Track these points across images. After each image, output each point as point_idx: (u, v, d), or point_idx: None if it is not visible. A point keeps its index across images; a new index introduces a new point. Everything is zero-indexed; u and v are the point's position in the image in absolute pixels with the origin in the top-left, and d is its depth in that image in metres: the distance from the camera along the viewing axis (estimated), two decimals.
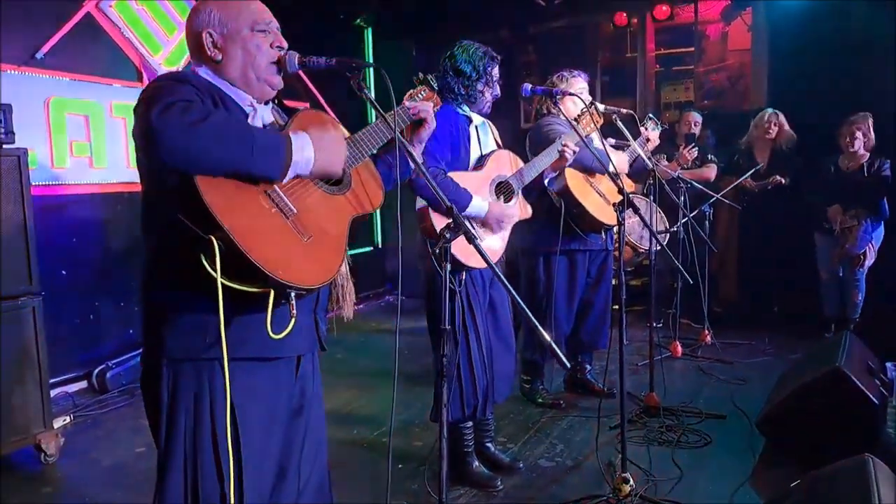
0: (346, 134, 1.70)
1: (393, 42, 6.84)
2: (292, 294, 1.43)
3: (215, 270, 1.35)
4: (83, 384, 4.18)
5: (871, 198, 4.62)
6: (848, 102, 4.84)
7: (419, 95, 1.95)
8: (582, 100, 3.06)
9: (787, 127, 5.20)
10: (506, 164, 2.79)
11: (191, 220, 1.37)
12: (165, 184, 1.41)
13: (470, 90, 2.68)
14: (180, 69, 4.73)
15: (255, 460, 1.56)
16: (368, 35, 6.87)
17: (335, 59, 1.62)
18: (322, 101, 5.87)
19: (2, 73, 3.77)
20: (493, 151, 2.79)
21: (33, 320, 3.04)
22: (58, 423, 3.25)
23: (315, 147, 1.51)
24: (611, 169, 2.70)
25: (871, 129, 4.71)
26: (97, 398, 4.01)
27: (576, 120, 2.92)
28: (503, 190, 2.75)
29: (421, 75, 1.98)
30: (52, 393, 3.48)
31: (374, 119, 1.71)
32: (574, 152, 2.93)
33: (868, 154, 4.70)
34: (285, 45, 1.64)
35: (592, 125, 2.95)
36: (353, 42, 6.76)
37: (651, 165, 3.50)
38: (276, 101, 1.74)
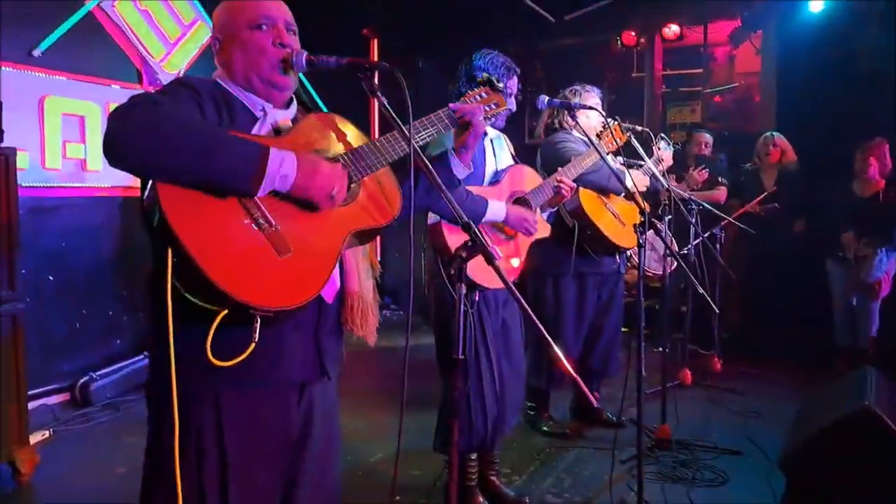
0: (363, 138, 1.55)
1: (400, 54, 6.73)
2: (257, 316, 1.28)
3: (174, 282, 1.24)
4: (66, 396, 4.00)
5: (886, 226, 4.50)
6: (858, 127, 4.77)
7: (477, 97, 1.78)
8: (601, 112, 2.93)
9: (790, 150, 5.10)
10: (523, 179, 2.64)
11: (155, 228, 1.25)
12: (143, 186, 1.31)
13: None
14: (181, 72, 4.61)
15: (241, 487, 1.43)
16: (374, 47, 6.77)
17: (347, 58, 1.47)
18: (323, 106, 5.74)
19: None
20: (510, 167, 2.64)
21: (13, 329, 2.87)
22: (35, 437, 3.08)
23: (299, 167, 1.34)
24: (630, 188, 2.56)
25: (888, 155, 4.60)
26: (80, 411, 3.83)
27: (598, 136, 2.79)
28: (520, 206, 2.60)
29: (485, 75, 1.81)
30: (32, 405, 3.30)
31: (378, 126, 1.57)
32: (571, 188, 2.77)
33: (883, 180, 4.59)
34: (289, 41, 1.50)
35: (615, 143, 2.82)
36: (359, 53, 6.65)
37: (666, 185, 3.37)
38: (299, 102, 1.61)
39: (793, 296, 5.06)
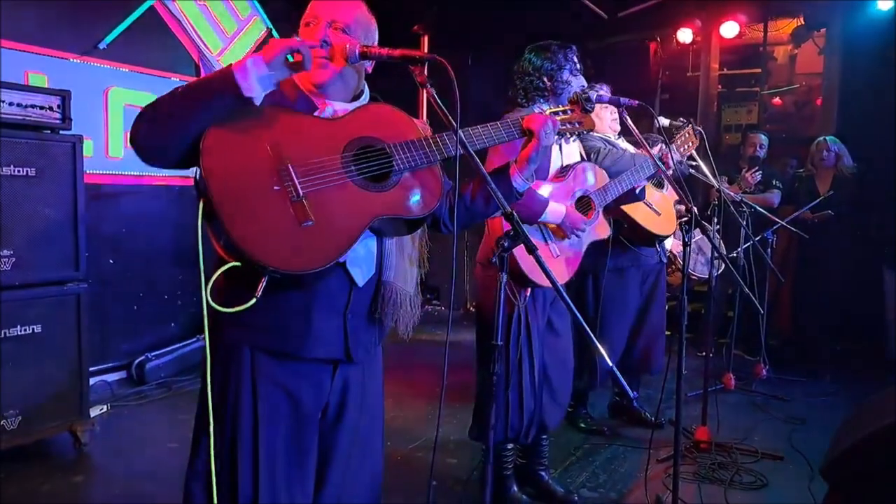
0: (418, 131, 1.59)
1: (449, 51, 6.78)
2: (265, 275, 1.36)
3: (211, 233, 1.37)
4: (122, 374, 4.19)
5: None
6: None
7: (560, 114, 1.79)
8: (649, 108, 2.89)
9: (846, 154, 4.93)
10: (590, 177, 2.64)
11: (198, 187, 1.38)
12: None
13: (555, 81, 2.53)
14: None
15: (271, 452, 1.52)
16: (425, 43, 6.83)
17: (398, 49, 1.52)
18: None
19: (64, 62, 3.83)
20: (577, 163, 2.63)
21: (77, 306, 3.03)
22: (94, 411, 3.25)
23: (258, 50, 1.46)
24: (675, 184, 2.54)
25: None
26: (135, 389, 4.01)
27: (669, 139, 2.78)
28: (584, 205, 2.61)
29: (577, 93, 1.79)
30: (91, 381, 3.47)
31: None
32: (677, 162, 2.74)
33: None
34: (324, 37, 1.51)
35: (687, 145, 2.81)
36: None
37: (717, 185, 3.32)
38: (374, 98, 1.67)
39: (846, 304, 4.92)
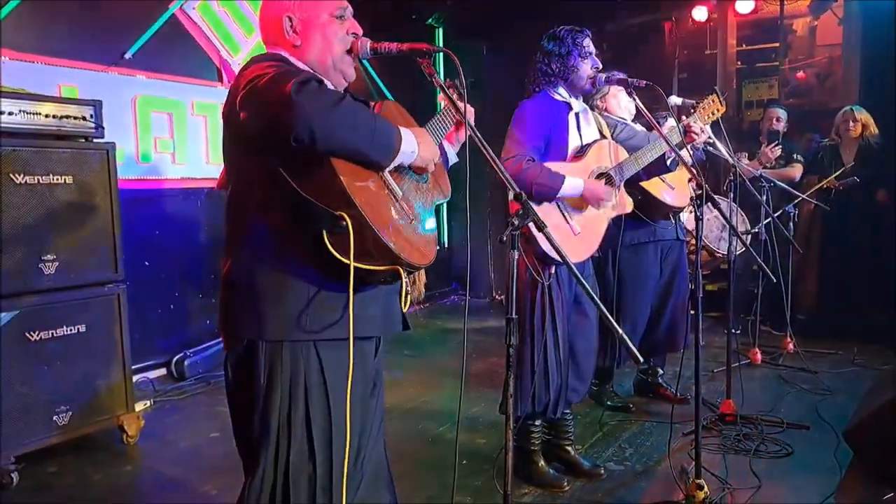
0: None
1: (463, 41, 6.84)
2: (404, 273, 1.49)
3: (340, 248, 1.40)
4: (163, 371, 4.35)
5: None
6: None
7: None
8: (657, 88, 2.93)
9: (872, 124, 4.89)
10: (607, 155, 2.69)
11: (318, 198, 1.41)
12: (285, 161, 1.43)
13: (563, 66, 2.59)
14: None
15: (342, 441, 1.57)
16: (439, 34, 6.90)
17: (406, 44, 1.62)
18: (385, 90, 5.90)
19: (94, 73, 3.99)
20: (594, 141, 2.69)
21: (118, 307, 3.18)
22: (139, 406, 3.40)
23: (418, 143, 1.55)
24: (687, 160, 2.59)
25: None
26: (175, 385, 4.18)
27: (693, 108, 2.82)
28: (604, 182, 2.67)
29: (448, 80, 1.93)
30: (135, 378, 3.63)
31: (441, 106, 1.74)
32: (702, 130, 2.79)
33: None
34: (360, 31, 1.65)
35: (713, 114, 2.82)
36: (424, 41, 6.78)
37: (732, 161, 3.33)
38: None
39: (876, 275, 4.88)
